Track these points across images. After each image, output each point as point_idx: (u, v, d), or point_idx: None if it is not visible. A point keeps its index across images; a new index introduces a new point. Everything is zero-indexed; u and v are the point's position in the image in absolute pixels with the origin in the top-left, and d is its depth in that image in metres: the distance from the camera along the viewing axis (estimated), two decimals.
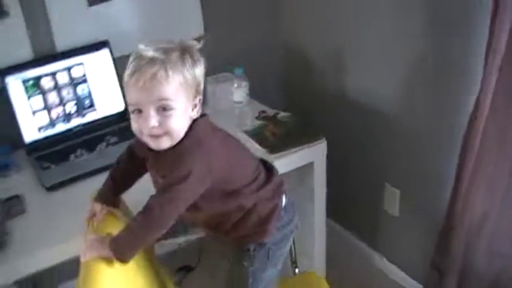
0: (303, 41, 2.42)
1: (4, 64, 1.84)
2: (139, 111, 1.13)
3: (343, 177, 2.39)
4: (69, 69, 1.94)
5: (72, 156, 1.84)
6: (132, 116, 1.15)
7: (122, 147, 1.42)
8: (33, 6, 1.88)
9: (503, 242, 1.69)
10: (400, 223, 2.18)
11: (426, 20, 1.75)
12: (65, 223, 1.46)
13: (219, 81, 2.11)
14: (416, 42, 1.81)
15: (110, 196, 1.33)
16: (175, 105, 1.13)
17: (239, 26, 2.35)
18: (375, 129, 2.13)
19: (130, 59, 1.14)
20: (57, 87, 1.93)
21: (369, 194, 2.30)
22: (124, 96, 1.58)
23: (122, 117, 1.99)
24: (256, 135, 1.86)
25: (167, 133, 1.14)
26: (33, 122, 1.90)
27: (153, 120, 1.12)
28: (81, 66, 1.96)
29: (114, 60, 1.99)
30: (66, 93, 1.95)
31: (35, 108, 1.89)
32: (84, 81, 1.98)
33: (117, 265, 1.15)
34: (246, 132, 1.88)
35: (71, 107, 1.96)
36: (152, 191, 1.23)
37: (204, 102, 2.10)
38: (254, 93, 2.14)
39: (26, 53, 1.91)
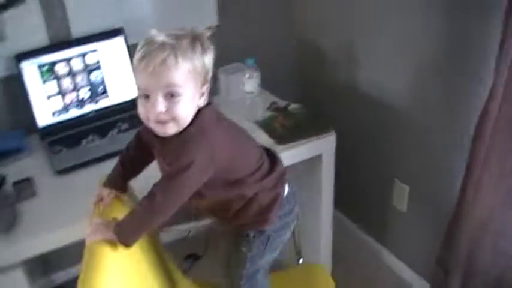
0: (316, 33, 2.41)
1: (20, 49, 1.87)
2: (147, 96, 1.14)
3: (353, 171, 2.39)
4: (83, 55, 1.97)
5: (84, 141, 1.86)
6: (140, 101, 1.16)
7: (132, 134, 1.43)
8: None
9: (508, 242, 1.68)
10: (408, 219, 2.18)
11: (439, 14, 1.74)
12: (73, 206, 1.48)
13: (231, 72, 2.12)
14: (429, 36, 1.80)
15: (118, 181, 1.35)
16: (183, 92, 1.13)
17: (253, 16, 2.36)
18: (386, 123, 2.12)
19: (141, 43, 1.14)
20: (71, 73, 1.96)
21: (378, 188, 2.30)
22: None
23: (134, 104, 1.98)
24: (265, 126, 1.87)
25: (173, 119, 1.14)
26: (47, 107, 1.93)
27: (161, 106, 1.12)
28: (95, 53, 1.99)
29: (128, 47, 2.01)
30: (80, 79, 1.98)
31: (49, 93, 1.93)
32: (98, 68, 2.00)
33: (121, 249, 1.17)
34: (256, 122, 1.89)
35: (84, 93, 1.99)
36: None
37: (216, 92, 2.14)
38: (266, 84, 2.15)
39: (41, 38, 1.94)
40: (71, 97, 1.97)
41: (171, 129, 1.16)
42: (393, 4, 1.91)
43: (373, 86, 2.13)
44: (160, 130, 1.17)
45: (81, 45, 1.96)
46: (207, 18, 2.20)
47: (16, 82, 1.88)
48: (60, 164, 1.74)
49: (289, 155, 1.76)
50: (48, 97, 1.92)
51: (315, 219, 1.99)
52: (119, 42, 2.02)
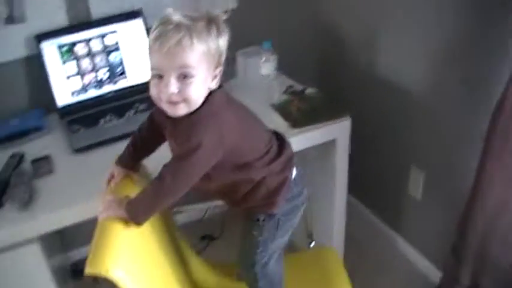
0: (335, 17, 2.40)
1: (40, 30, 1.91)
2: (160, 76, 1.14)
3: (369, 156, 2.38)
4: (103, 36, 2.00)
5: (101, 121, 1.90)
6: (152, 81, 1.17)
7: None
8: None
9: None
10: (423, 207, 2.17)
11: (459, 1, 1.72)
12: (89, 184, 1.51)
13: (248, 55, 2.12)
14: (449, 22, 1.78)
15: (129, 161, 1.37)
16: (196, 74, 1.13)
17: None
18: (403, 109, 2.11)
19: (156, 23, 1.14)
20: (90, 54, 1.99)
21: (393, 175, 2.29)
22: None
23: None
24: (281, 109, 1.87)
25: (185, 100, 1.15)
26: (66, 87, 1.97)
27: (173, 87, 1.13)
28: (114, 34, 2.01)
29: (147, 29, 2.03)
30: (99, 60, 2.01)
31: (68, 74, 1.96)
32: (117, 49, 2.03)
33: (132, 227, 1.19)
34: (272, 105, 1.90)
35: (103, 74, 2.02)
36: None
37: (233, 75, 2.15)
38: (284, 68, 2.15)
39: (61, 19, 1.97)
40: (89, 77, 2.00)
41: (182, 110, 1.16)
42: None
43: (391, 72, 2.12)
44: (171, 111, 1.17)
45: (101, 26, 1.99)
46: (227, 1, 2.20)
47: (36, 62, 1.92)
48: (77, 143, 1.77)
49: (304, 139, 1.77)
50: (68, 77, 1.96)
51: (328, 204, 1.99)
52: (138, 24, 2.03)
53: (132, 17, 2.03)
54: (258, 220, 1.37)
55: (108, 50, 2.01)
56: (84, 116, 1.95)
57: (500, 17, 1.59)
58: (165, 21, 1.12)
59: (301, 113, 1.84)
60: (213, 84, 1.20)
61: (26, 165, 1.69)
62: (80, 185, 1.57)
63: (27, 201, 1.50)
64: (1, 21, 1.87)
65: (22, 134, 1.85)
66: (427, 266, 2.23)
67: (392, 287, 2.21)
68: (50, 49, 1.91)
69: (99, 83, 2.02)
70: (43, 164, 1.67)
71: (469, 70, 1.75)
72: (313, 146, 1.82)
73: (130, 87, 2.06)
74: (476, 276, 1.84)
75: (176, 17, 1.12)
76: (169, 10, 1.15)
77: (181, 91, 1.13)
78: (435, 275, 2.15)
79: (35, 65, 1.93)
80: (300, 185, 1.41)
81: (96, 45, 1.99)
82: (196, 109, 1.17)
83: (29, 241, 1.49)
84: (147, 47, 1.15)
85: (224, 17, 1.19)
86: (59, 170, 1.67)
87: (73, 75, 1.97)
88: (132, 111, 1.94)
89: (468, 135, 1.82)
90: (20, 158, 1.71)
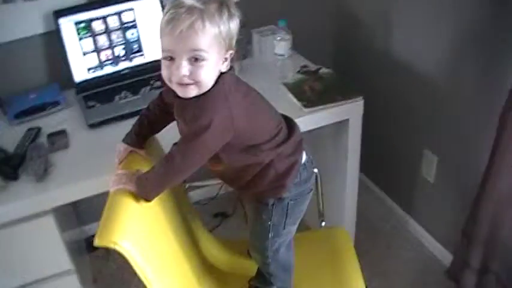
0: None
1: (58, 6, 1.93)
2: (171, 58, 1.15)
3: (384, 138, 2.38)
4: (119, 13, 2.01)
5: (116, 98, 1.92)
6: (163, 62, 1.17)
7: None
8: None
9: None
10: (435, 190, 2.17)
11: None
12: (103, 159, 1.53)
13: (264, 34, 2.13)
14: (467, 7, 1.75)
15: (134, 138, 1.39)
16: (208, 57, 1.13)
17: None
18: (419, 92, 2.09)
19: (168, 5, 1.14)
20: (107, 31, 2.01)
21: (407, 157, 2.28)
22: None
23: None
24: (294, 88, 1.87)
25: (196, 83, 1.15)
26: (83, 63, 1.99)
27: (185, 69, 1.13)
28: (131, 11, 2.02)
29: (163, 7, 2.03)
30: (116, 37, 2.03)
31: (85, 50, 1.99)
32: (134, 26, 2.04)
33: (142, 202, 1.22)
34: (286, 85, 1.90)
35: (119, 51, 2.04)
36: None
37: (249, 54, 2.15)
38: (299, 48, 2.15)
39: None
40: (106, 54, 2.02)
41: (192, 92, 1.17)
42: None
43: (408, 53, 2.10)
44: (181, 92, 1.18)
45: (118, 3, 2.00)
46: None
47: (54, 38, 1.95)
48: (93, 118, 1.80)
49: (316, 118, 1.77)
50: (84, 53, 1.98)
51: (340, 183, 2.00)
52: (154, 1, 2.04)
53: None
54: (267, 204, 1.38)
55: (125, 27, 2.03)
56: (100, 92, 1.98)
57: None
58: (177, 4, 1.12)
59: (314, 93, 1.84)
60: (224, 67, 1.20)
61: (43, 139, 1.72)
62: (94, 159, 1.61)
63: (43, 174, 1.54)
64: None
65: (40, 109, 1.89)
66: (438, 248, 2.23)
67: (402, 268, 2.22)
68: (67, 26, 1.93)
69: (116, 60, 2.04)
70: (59, 138, 1.70)
71: (488, 55, 1.73)
72: (326, 125, 1.82)
73: (146, 64, 2.09)
74: (486, 259, 1.84)
75: (188, 0, 1.11)
76: None
77: (192, 73, 1.14)
78: (446, 257, 2.15)
79: (53, 41, 1.95)
80: (310, 170, 1.41)
81: (113, 22, 2.01)
82: (206, 91, 1.18)
83: (43, 213, 1.53)
84: (159, 29, 1.15)
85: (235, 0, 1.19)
86: (74, 144, 1.71)
87: (90, 52, 1.99)
88: (147, 88, 1.96)
89: (483, 122, 1.81)
90: (36, 132, 1.75)
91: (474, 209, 1.80)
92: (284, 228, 1.43)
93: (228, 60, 1.21)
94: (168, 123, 1.39)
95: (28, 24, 1.96)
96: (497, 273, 1.84)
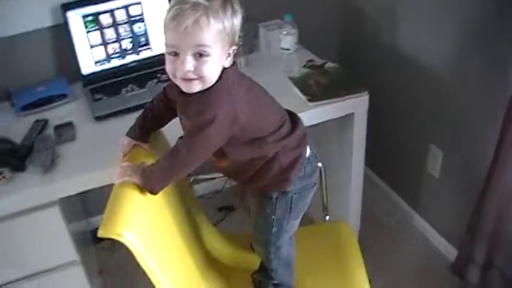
0: None
1: None
2: (176, 54, 1.16)
3: (389, 132, 2.38)
4: (127, 7, 2.02)
5: (123, 91, 1.94)
6: (168, 57, 1.18)
7: None
8: None
9: None
10: (440, 185, 2.17)
11: None
12: (109, 151, 1.52)
13: (270, 28, 2.13)
14: (475, 2, 1.75)
15: (138, 132, 1.40)
16: (212, 52, 1.14)
17: None
18: (424, 87, 2.09)
19: (172, 1, 1.15)
20: (114, 24, 2.02)
21: (412, 152, 2.28)
22: None
23: None
24: (300, 82, 1.88)
25: (200, 78, 1.17)
26: (90, 56, 2.01)
27: (189, 65, 1.14)
28: (139, 5, 2.03)
29: (169, 1, 2.03)
30: (123, 30, 2.04)
31: (92, 43, 2.00)
32: (141, 20, 2.05)
33: (146, 194, 1.23)
34: (291, 79, 1.90)
35: (126, 44, 2.05)
36: None
37: (255, 48, 2.16)
38: (305, 42, 2.15)
39: None
40: (113, 47, 2.04)
41: (196, 87, 1.18)
42: None
43: (413, 49, 2.10)
44: (185, 87, 1.19)
45: None
46: None
47: (62, 31, 1.96)
48: (99, 111, 1.82)
49: (322, 112, 1.78)
50: (92, 46, 2.00)
51: (345, 177, 2.01)
52: None
53: None
54: (271, 198, 1.39)
55: (132, 21, 2.04)
56: (107, 84, 2.00)
57: None
58: (182, 0, 1.12)
59: (319, 87, 1.84)
60: (227, 63, 1.22)
61: (50, 131, 1.74)
62: (101, 151, 1.62)
63: (49, 166, 1.56)
64: None
65: (47, 101, 1.91)
66: (443, 243, 2.23)
67: (406, 263, 2.23)
68: (74, 19, 1.95)
69: (123, 53, 2.05)
70: (66, 130, 1.72)
71: (494, 49, 1.72)
72: (331, 119, 1.83)
73: (153, 57, 2.10)
74: (490, 254, 1.84)
75: None
76: None
77: (196, 69, 1.15)
78: (451, 252, 2.16)
79: (61, 34, 1.97)
80: (314, 165, 1.42)
81: (120, 16, 2.02)
82: (210, 86, 1.19)
83: (50, 204, 1.55)
84: (163, 24, 1.16)
85: None
86: (81, 136, 1.73)
87: (97, 45, 2.01)
88: (154, 81, 1.97)
89: (488, 117, 1.80)
90: (43, 124, 1.77)
91: (479, 204, 1.80)
92: (288, 223, 1.44)
93: (231, 55, 1.22)
94: (172, 118, 1.41)
95: (36, 17, 1.97)
96: (501, 269, 1.84)
